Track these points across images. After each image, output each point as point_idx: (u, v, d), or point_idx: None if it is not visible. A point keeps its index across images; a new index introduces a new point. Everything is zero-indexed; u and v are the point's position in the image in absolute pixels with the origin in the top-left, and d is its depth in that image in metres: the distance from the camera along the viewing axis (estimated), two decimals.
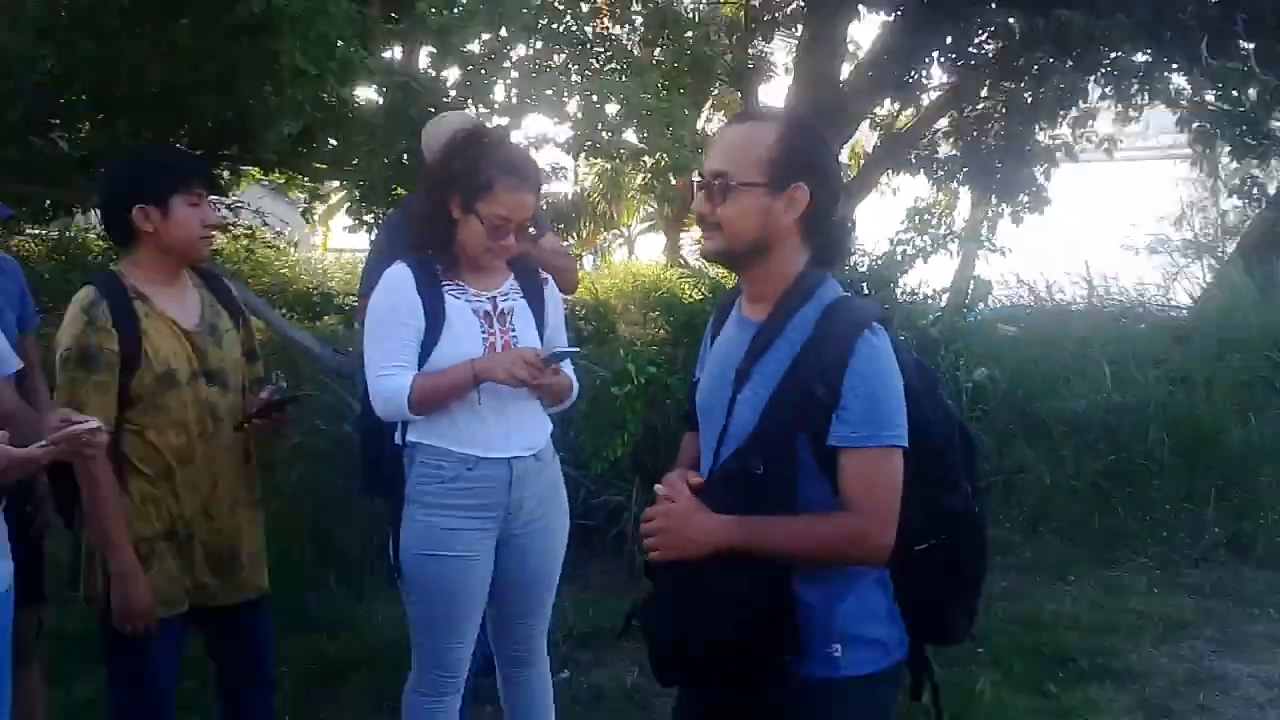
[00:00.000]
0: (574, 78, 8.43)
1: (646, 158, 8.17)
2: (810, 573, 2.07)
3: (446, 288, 3.05)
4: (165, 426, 3.00)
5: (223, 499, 3.13)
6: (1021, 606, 5.27)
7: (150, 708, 3.15)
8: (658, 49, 9.16)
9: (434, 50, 7.69)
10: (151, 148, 4.79)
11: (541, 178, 3.32)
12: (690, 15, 10.38)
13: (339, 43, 5.60)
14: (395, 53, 7.85)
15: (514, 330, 3.11)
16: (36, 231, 12.47)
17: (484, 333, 3.06)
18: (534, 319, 3.17)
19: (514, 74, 7.85)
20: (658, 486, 2.14)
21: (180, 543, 3.05)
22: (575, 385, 3.28)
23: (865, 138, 13.67)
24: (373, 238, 7.19)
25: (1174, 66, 10.11)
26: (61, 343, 2.94)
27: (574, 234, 14.04)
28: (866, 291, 7.46)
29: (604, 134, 8.05)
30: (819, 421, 2.02)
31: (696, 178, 2.22)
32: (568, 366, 3.22)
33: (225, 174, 10.00)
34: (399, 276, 3.04)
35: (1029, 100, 11.57)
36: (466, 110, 6.49)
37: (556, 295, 3.32)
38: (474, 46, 7.68)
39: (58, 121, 7.56)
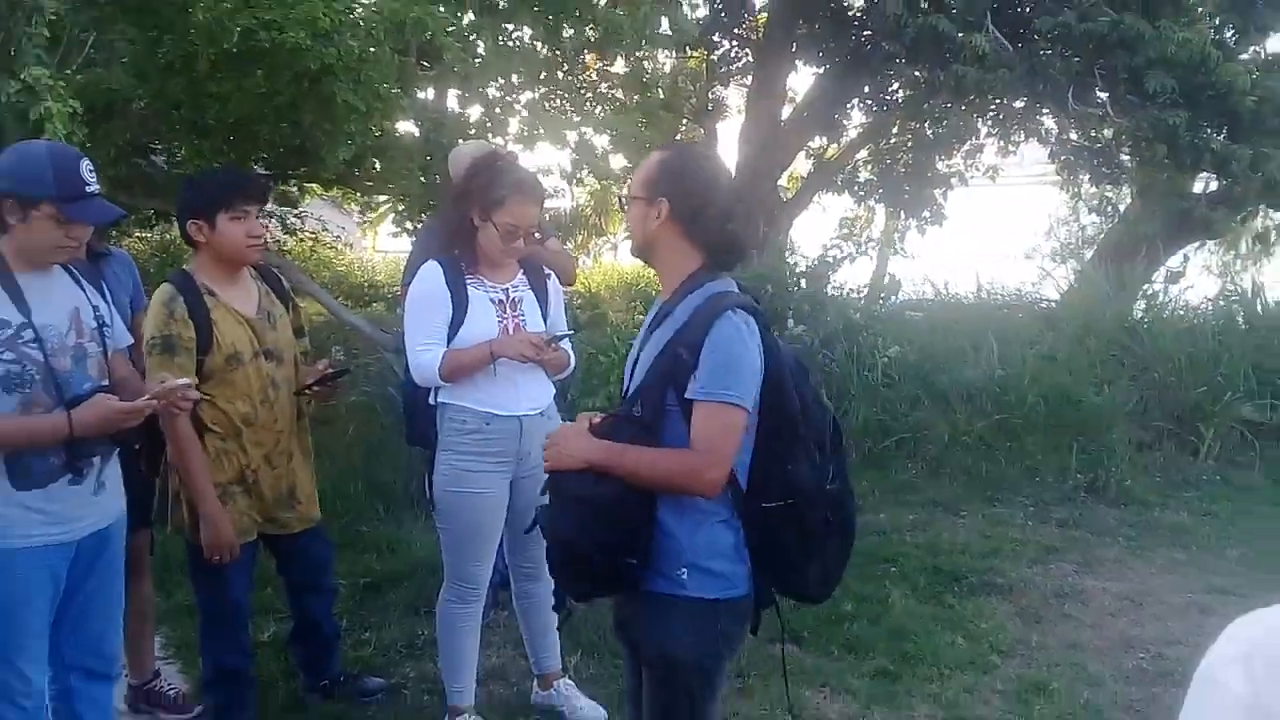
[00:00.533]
0: (573, 116, 8.37)
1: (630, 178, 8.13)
2: (672, 503, 2.06)
3: (469, 281, 3.03)
4: (233, 397, 2.98)
5: (282, 451, 3.11)
6: (925, 535, 5.28)
7: (231, 625, 3.16)
8: (636, 95, 9.10)
9: (459, 92, 7.63)
10: (214, 171, 4.71)
11: (544, 194, 3.29)
12: (661, 67, 10.30)
13: (384, 85, 5.55)
14: (429, 94, 7.78)
15: (523, 315, 3.09)
16: (143, 235, 12.33)
17: (499, 317, 3.04)
18: (539, 306, 3.15)
19: (524, 113, 7.79)
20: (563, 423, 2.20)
21: (248, 487, 3.04)
22: (573, 359, 3.27)
23: (801, 166, 13.58)
24: (412, 241, 7.14)
25: (1046, 111, 10.08)
26: (147, 332, 2.91)
27: (572, 239, 13.93)
28: (803, 286, 7.44)
29: (601, 162, 8.04)
30: (683, 379, 2.04)
31: None
32: (567, 344, 3.20)
33: (295, 189, 9.92)
34: (432, 271, 3.02)
35: (931, 136, 11.60)
36: (484, 140, 6.42)
37: (558, 287, 3.30)
38: (491, 90, 7.61)
39: (157, 145, 7.45)
